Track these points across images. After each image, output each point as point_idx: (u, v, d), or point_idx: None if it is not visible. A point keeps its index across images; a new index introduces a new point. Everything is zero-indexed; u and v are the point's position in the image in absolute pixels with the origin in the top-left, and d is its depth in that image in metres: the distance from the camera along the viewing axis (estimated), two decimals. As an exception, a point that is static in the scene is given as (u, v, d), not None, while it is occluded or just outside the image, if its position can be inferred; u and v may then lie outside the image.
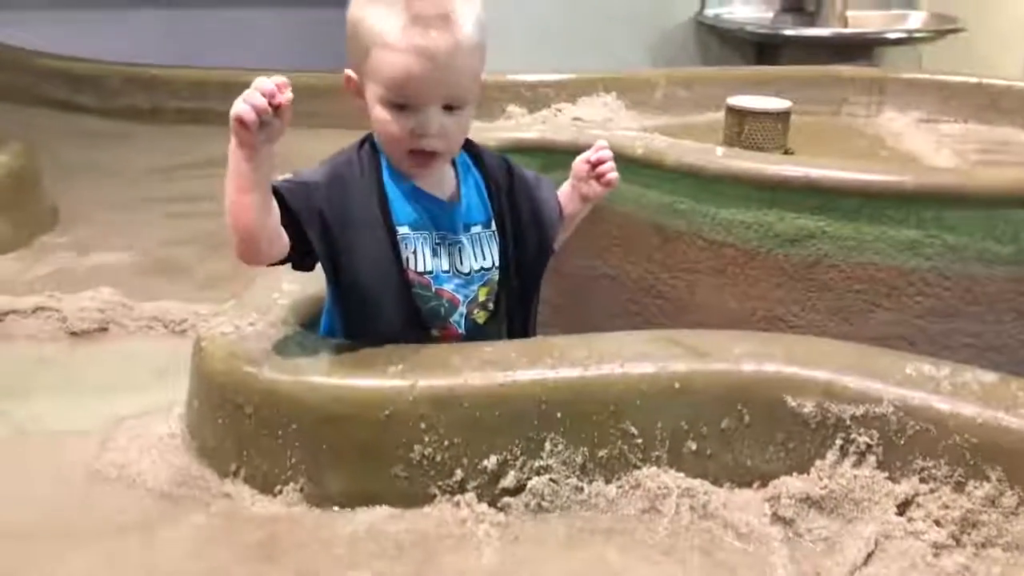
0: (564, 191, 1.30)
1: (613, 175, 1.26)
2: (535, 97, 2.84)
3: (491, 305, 1.18)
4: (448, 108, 1.06)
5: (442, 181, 1.15)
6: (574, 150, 2.03)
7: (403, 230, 1.11)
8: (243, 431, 1.11)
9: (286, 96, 0.96)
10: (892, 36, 3.77)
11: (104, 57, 3.13)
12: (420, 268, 1.12)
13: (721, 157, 1.98)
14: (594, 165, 1.26)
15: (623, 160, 2.07)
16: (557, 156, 1.96)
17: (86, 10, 3.90)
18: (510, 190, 1.21)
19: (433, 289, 1.13)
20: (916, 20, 3.86)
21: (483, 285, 1.17)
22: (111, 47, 3.29)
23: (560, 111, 2.81)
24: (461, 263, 1.14)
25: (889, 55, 3.90)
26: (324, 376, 1.09)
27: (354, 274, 1.11)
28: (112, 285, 1.68)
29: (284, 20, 4.10)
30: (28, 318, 1.58)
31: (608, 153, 1.26)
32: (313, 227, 1.07)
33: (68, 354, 1.52)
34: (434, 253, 1.13)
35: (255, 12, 4.15)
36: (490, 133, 2.27)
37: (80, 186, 2.33)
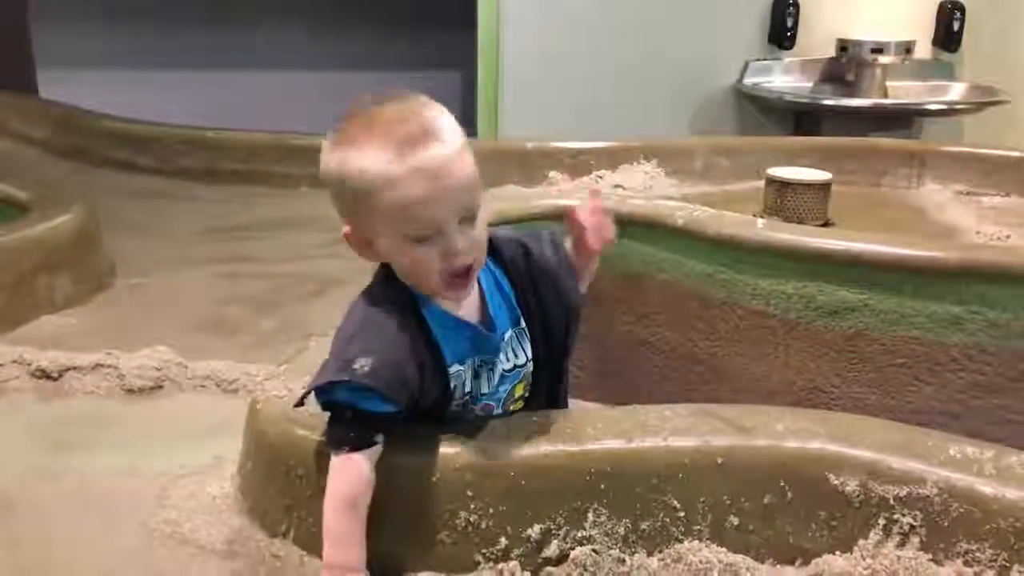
0: (569, 246, 1.23)
1: (608, 233, 1.20)
2: (576, 164, 2.90)
3: (527, 395, 1.19)
4: (465, 220, 1.03)
5: (474, 300, 1.13)
6: (614, 218, 2.10)
7: (454, 368, 1.10)
8: (294, 493, 1.14)
9: None
10: (932, 107, 3.80)
11: (162, 116, 3.27)
12: (462, 393, 1.13)
13: (762, 229, 2.01)
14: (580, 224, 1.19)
15: (664, 228, 2.13)
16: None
17: (146, 70, 4.09)
18: (529, 275, 1.17)
19: (471, 407, 1.15)
20: (957, 91, 3.88)
21: (519, 381, 1.17)
22: (169, 106, 3.44)
23: (601, 178, 2.87)
24: (500, 378, 1.15)
25: (929, 126, 3.92)
26: (374, 441, 1.12)
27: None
28: (167, 343, 1.74)
29: (335, 83, 4.25)
30: (87, 375, 1.64)
31: (601, 206, 1.19)
32: (407, 403, 1.06)
33: (124, 411, 1.57)
34: (475, 376, 1.13)
35: (308, 75, 4.32)
36: (531, 201, 2.33)
37: (138, 244, 2.42)
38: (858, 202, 2.66)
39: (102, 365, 1.65)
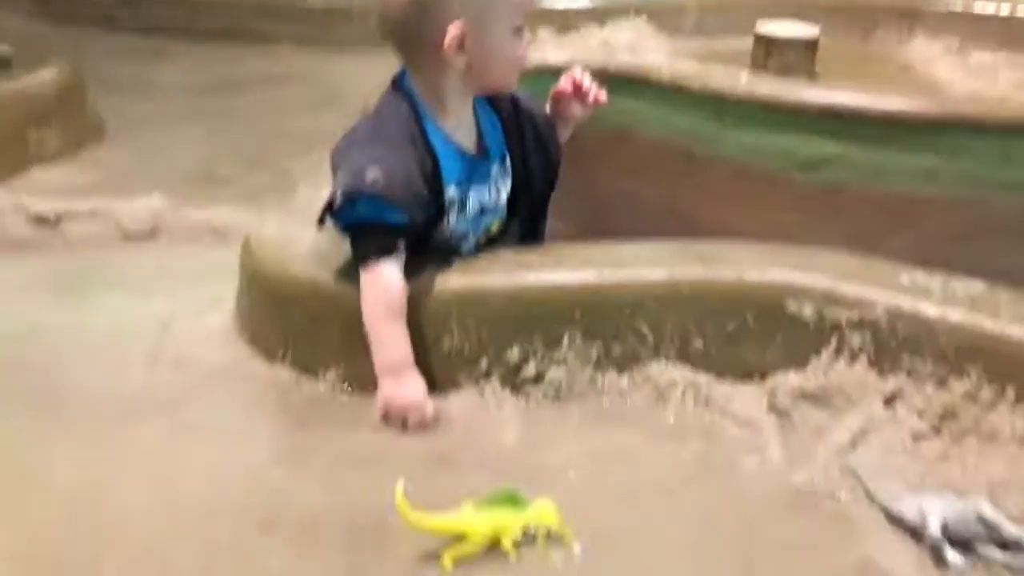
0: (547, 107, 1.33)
1: (600, 94, 1.29)
2: (565, 20, 2.86)
3: (495, 231, 1.27)
4: None
5: (470, 128, 1.22)
6: (602, 75, 2.10)
7: (449, 191, 1.18)
8: (289, 321, 1.22)
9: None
10: (928, -38, 3.70)
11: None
12: (451, 224, 1.20)
13: (745, 82, 2.02)
14: (575, 90, 1.29)
15: (650, 84, 2.13)
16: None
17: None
18: (517, 124, 1.26)
19: (450, 232, 1.22)
20: (954, -54, 3.77)
21: (496, 217, 1.25)
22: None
23: (590, 34, 2.83)
24: (480, 209, 1.22)
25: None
26: (362, 273, 1.18)
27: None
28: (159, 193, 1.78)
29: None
30: (84, 221, 1.69)
31: (586, 76, 1.29)
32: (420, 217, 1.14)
33: (123, 255, 1.63)
34: (461, 207, 1.21)
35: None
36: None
37: (124, 102, 2.41)
38: (846, 57, 2.64)
39: (98, 212, 1.70)
